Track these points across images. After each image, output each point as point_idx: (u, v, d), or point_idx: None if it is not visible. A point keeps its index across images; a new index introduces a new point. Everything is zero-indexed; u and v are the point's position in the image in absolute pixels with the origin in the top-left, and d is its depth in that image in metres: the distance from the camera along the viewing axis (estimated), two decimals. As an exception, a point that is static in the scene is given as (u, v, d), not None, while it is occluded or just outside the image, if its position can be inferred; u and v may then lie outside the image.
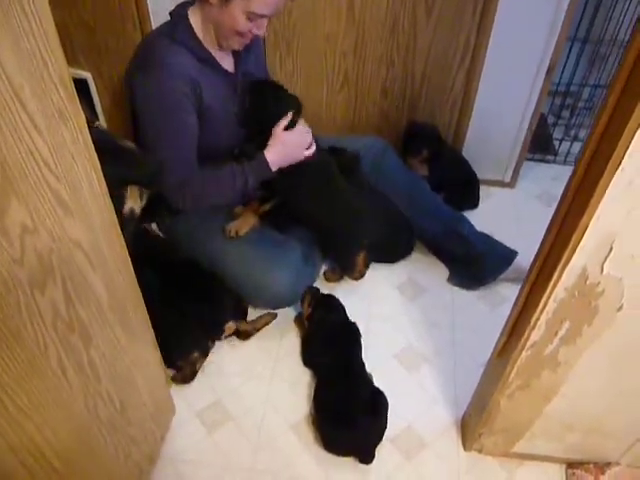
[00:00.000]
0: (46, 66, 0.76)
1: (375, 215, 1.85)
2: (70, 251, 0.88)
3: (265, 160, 1.60)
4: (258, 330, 1.76)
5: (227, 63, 1.62)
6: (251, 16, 1.43)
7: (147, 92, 1.50)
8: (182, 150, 1.56)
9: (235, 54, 1.64)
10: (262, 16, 1.45)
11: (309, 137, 1.67)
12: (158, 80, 1.47)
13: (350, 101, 2.22)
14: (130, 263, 1.13)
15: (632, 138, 0.78)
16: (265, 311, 1.80)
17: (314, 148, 1.69)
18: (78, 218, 0.88)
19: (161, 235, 1.86)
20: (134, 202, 1.41)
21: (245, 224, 1.70)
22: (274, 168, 1.61)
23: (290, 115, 1.62)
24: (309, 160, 1.67)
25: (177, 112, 1.52)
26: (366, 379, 1.58)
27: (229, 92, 1.63)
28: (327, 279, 1.95)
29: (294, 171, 1.66)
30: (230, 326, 1.71)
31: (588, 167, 0.88)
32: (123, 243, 1.08)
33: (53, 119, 0.79)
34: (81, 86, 2.02)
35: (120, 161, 1.31)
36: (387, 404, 1.50)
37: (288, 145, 1.63)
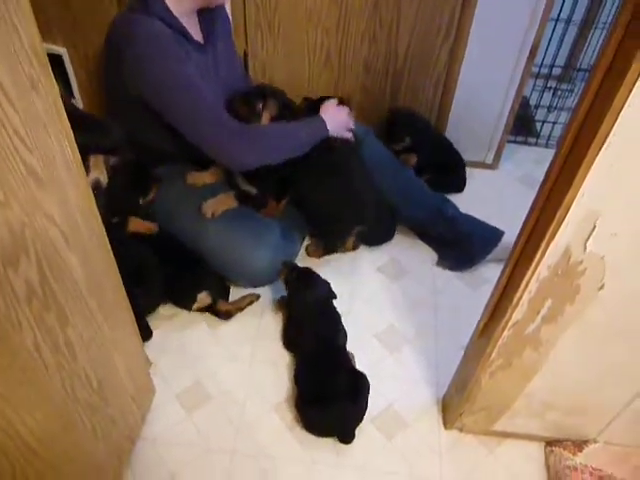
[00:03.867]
0: (16, 31, 0.72)
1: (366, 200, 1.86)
2: (44, 226, 0.85)
3: (323, 120, 1.71)
4: (241, 310, 1.75)
5: (197, 35, 1.62)
6: None
7: (145, 64, 1.47)
8: (208, 98, 1.53)
9: (202, 26, 1.65)
10: None
11: (351, 120, 1.82)
12: (151, 48, 1.46)
13: (332, 78, 2.19)
14: (107, 240, 1.10)
15: (617, 117, 0.78)
16: (248, 291, 1.79)
17: (350, 133, 1.82)
18: (51, 191, 0.85)
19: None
20: (99, 172, 1.37)
21: (220, 204, 1.69)
22: (328, 131, 1.72)
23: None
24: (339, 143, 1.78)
25: (183, 66, 1.49)
26: (346, 359, 1.58)
27: (203, 63, 1.63)
28: (309, 254, 1.95)
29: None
30: (203, 297, 1.69)
31: (573, 144, 0.87)
32: (100, 219, 1.05)
33: (24, 88, 0.75)
34: (56, 62, 1.96)
35: (82, 129, 1.27)
36: (368, 386, 1.50)
37: (335, 118, 1.75)
